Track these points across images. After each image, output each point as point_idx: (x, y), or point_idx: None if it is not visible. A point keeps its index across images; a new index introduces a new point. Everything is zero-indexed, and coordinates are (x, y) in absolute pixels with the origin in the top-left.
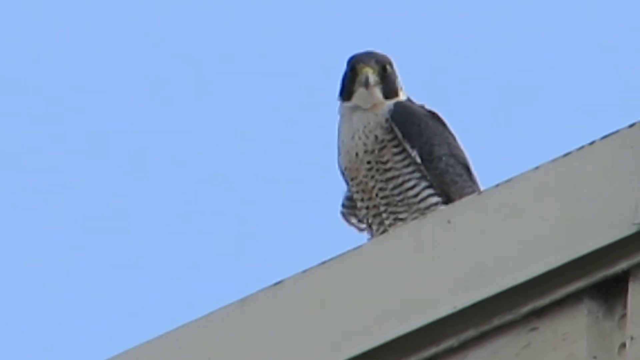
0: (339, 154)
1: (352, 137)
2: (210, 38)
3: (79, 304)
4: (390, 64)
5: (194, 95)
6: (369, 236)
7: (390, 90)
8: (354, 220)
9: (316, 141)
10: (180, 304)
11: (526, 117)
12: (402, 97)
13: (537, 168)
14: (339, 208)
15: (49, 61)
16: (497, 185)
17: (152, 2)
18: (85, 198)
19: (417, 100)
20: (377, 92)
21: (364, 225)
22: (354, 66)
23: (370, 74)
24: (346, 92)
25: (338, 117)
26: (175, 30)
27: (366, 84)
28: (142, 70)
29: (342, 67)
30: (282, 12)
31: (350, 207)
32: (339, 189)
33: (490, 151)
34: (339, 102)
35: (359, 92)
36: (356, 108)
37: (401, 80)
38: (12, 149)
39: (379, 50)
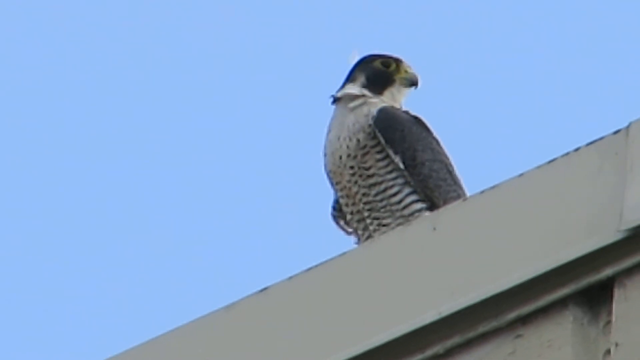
0: (325, 155)
1: (338, 139)
2: (210, 39)
3: (72, 305)
4: None
5: (194, 96)
6: (356, 240)
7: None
8: (343, 223)
9: (302, 144)
10: (165, 311)
11: (511, 124)
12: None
13: (522, 174)
14: (330, 210)
15: (48, 61)
16: (482, 192)
17: (152, 2)
18: (84, 198)
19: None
20: (408, 92)
21: (351, 229)
22: (389, 62)
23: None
24: (377, 87)
25: (329, 119)
26: (174, 30)
27: (415, 83)
28: (140, 71)
29: (336, 68)
30: (279, 13)
31: (340, 210)
32: (326, 193)
33: (475, 157)
34: (345, 89)
35: (397, 88)
36: (352, 108)
37: None
38: (12, 149)
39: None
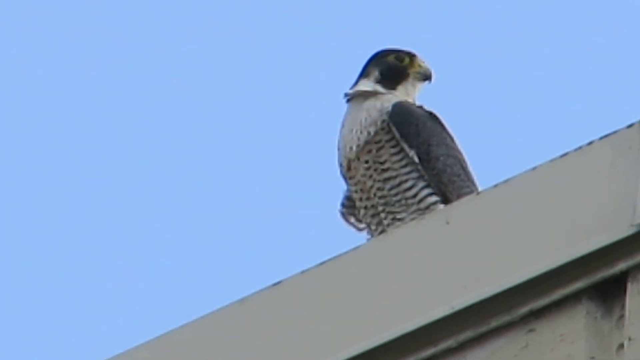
0: (339, 148)
1: (351, 131)
2: (209, 39)
3: (79, 303)
4: None
5: (194, 95)
6: (368, 236)
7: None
8: (352, 220)
9: (315, 140)
10: (180, 304)
11: (525, 117)
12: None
13: (535, 168)
14: (339, 207)
15: (48, 62)
16: (496, 186)
17: (151, 3)
18: (82, 199)
19: (415, 100)
20: (422, 86)
21: (362, 225)
22: (403, 57)
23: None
24: (391, 81)
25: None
26: (173, 31)
27: (429, 77)
28: (139, 71)
29: (349, 63)
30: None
31: (349, 207)
32: (339, 188)
33: (488, 151)
34: (360, 85)
35: (411, 83)
36: (364, 100)
37: None
38: (13, 149)
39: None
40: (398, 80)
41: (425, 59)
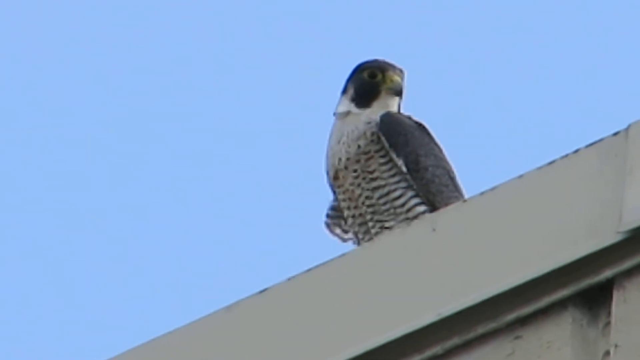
0: (327, 158)
1: (338, 142)
2: (203, 41)
3: (66, 306)
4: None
5: (194, 98)
6: (354, 246)
7: (401, 99)
8: (337, 231)
9: (302, 149)
10: (166, 312)
11: (511, 125)
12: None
13: (521, 176)
14: (324, 218)
15: (47, 62)
16: (482, 193)
17: (150, 3)
18: (81, 199)
19: (404, 111)
20: (397, 100)
21: (347, 236)
22: (376, 73)
23: (401, 81)
24: (364, 99)
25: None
26: (171, 31)
27: (399, 92)
28: (138, 71)
29: (339, 71)
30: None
31: (334, 217)
32: (326, 195)
33: (475, 159)
34: (340, 105)
35: (384, 98)
36: (349, 114)
37: None
38: (13, 149)
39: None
40: (372, 97)
41: (405, 69)
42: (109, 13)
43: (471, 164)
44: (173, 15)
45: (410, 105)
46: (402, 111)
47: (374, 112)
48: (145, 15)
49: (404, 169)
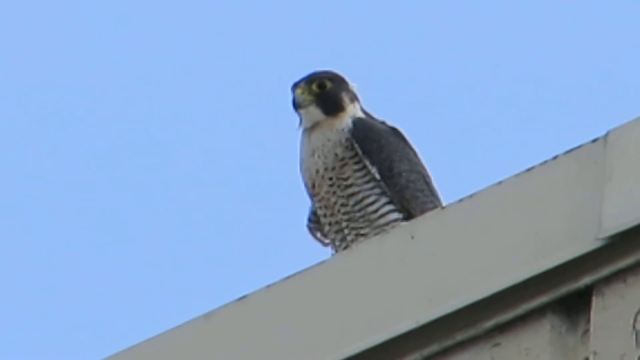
0: (302, 172)
1: (312, 155)
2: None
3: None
4: (331, 79)
5: (184, 102)
6: (332, 251)
7: (331, 105)
8: (319, 235)
9: (280, 156)
10: (145, 319)
11: (490, 132)
12: (352, 110)
13: (500, 183)
14: (305, 222)
15: (47, 62)
16: (461, 200)
17: (150, 3)
18: (80, 199)
19: (378, 116)
20: (314, 110)
21: (328, 240)
22: (325, 83)
23: (298, 95)
24: (331, 108)
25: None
26: (170, 31)
27: (296, 106)
28: (137, 71)
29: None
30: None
31: (316, 222)
32: (305, 203)
33: (453, 166)
34: (305, 119)
35: (300, 114)
36: (313, 127)
37: (356, 93)
38: (13, 150)
39: (331, 66)
40: (338, 106)
41: (294, 86)
42: (109, 13)
43: (449, 171)
44: (170, 12)
45: (387, 109)
46: (376, 116)
47: (343, 120)
48: (144, 15)
49: (377, 176)
